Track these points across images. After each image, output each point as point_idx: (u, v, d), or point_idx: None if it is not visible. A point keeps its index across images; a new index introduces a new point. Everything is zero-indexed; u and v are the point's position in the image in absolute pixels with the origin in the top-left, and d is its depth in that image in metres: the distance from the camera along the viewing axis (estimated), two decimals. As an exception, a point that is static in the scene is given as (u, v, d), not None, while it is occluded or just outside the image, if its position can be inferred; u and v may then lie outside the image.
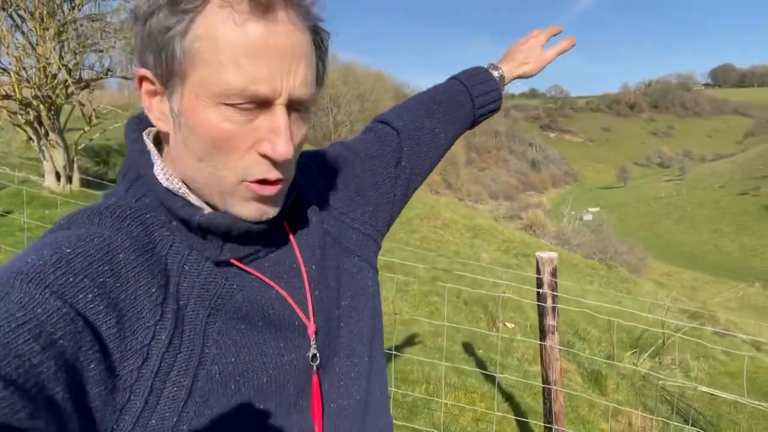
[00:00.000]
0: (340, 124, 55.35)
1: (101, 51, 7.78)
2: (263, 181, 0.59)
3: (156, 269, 0.56)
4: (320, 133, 52.67)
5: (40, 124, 7.49)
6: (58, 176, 7.78)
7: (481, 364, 4.73)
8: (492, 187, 77.70)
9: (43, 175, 7.91)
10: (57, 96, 7.40)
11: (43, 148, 7.62)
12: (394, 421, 0.83)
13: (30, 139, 7.61)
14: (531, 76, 1.04)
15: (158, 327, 0.54)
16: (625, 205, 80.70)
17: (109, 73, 8.25)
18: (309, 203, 0.74)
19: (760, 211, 60.95)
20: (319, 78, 0.63)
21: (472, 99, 0.97)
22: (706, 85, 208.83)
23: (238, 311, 0.60)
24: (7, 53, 7.01)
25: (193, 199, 0.61)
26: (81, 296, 0.49)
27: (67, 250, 0.51)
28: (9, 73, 7.04)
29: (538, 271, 2.77)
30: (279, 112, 0.56)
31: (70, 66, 7.56)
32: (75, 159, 7.88)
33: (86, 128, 7.83)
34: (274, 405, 0.61)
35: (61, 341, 0.45)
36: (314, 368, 0.65)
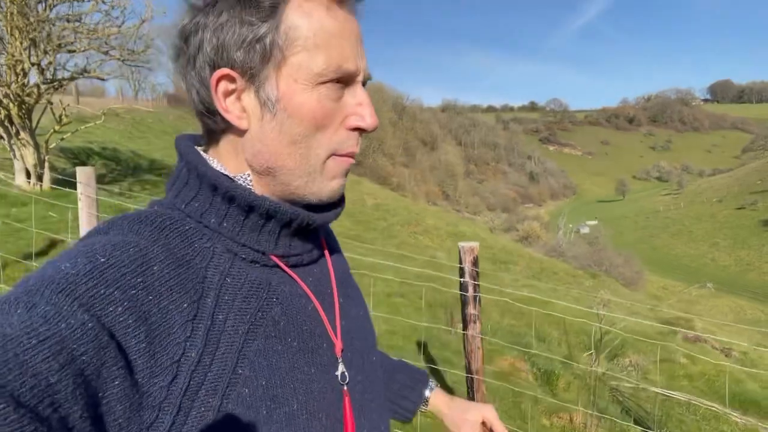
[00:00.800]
0: (338, 134, 55.60)
1: (73, 51, 7.81)
2: (346, 155, 0.64)
3: (190, 284, 0.56)
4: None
5: (11, 122, 7.49)
6: (28, 175, 7.79)
7: (431, 360, 4.70)
8: (490, 199, 77.74)
9: (14, 174, 7.92)
10: (27, 95, 7.41)
11: (14, 146, 7.61)
12: None
13: (0, 137, 7.62)
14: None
15: (188, 344, 0.53)
16: (623, 218, 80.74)
17: (85, 73, 8.30)
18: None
19: (756, 225, 60.95)
20: None
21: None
22: (705, 100, 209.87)
23: (276, 325, 0.61)
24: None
25: (256, 190, 0.64)
26: (111, 309, 0.48)
27: (102, 260, 0.51)
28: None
29: (460, 261, 2.77)
30: (360, 88, 0.63)
31: (43, 65, 7.58)
32: (46, 158, 7.88)
33: (56, 127, 7.83)
34: None
35: (83, 357, 0.44)
36: (344, 387, 0.67)
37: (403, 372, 1.01)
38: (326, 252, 0.75)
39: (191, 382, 0.52)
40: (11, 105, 7.31)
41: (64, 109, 7.62)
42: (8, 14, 6.91)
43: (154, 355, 0.50)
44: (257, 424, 0.56)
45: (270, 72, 0.59)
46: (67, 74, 8.09)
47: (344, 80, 0.61)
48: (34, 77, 7.58)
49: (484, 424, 0.95)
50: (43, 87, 7.58)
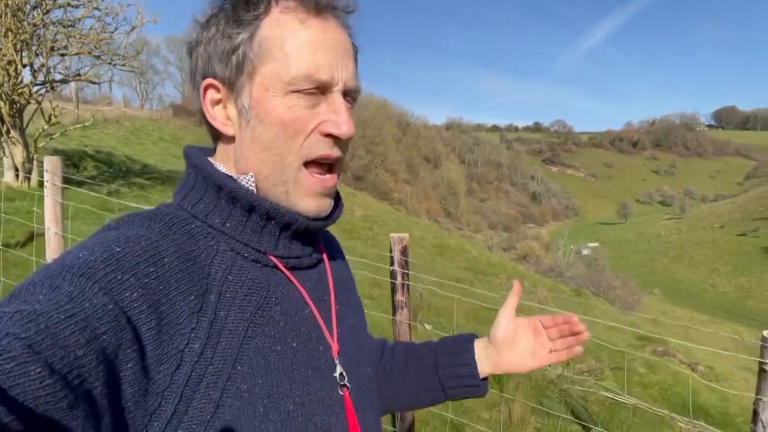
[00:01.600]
0: (341, 149, 56.04)
1: (65, 54, 8.09)
2: (324, 165, 0.66)
3: (197, 278, 0.58)
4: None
5: (2, 121, 7.74)
6: (17, 172, 8.01)
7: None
8: (492, 218, 77.86)
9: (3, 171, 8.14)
10: (18, 94, 7.66)
11: (4, 144, 7.86)
12: None
13: (-9, 135, 7.86)
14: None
15: (193, 335, 0.54)
16: (624, 241, 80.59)
17: (78, 76, 8.57)
18: (328, 234, 0.85)
19: (758, 252, 60.78)
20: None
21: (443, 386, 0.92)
22: (709, 126, 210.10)
23: (276, 325, 0.62)
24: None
25: (259, 192, 0.66)
26: (127, 294, 0.50)
27: (117, 249, 0.53)
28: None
29: (390, 251, 2.93)
30: (338, 97, 0.64)
31: (35, 66, 7.86)
32: (34, 157, 8.11)
33: (44, 126, 8.07)
34: None
35: (104, 336, 0.45)
36: (343, 386, 0.68)
37: (443, 344, 0.94)
38: (325, 258, 0.77)
39: (193, 373, 0.53)
40: (2, 103, 7.56)
41: (53, 109, 7.86)
42: (2, 16, 7.19)
43: (162, 342, 0.51)
44: (255, 421, 0.56)
45: (245, 81, 0.63)
46: (58, 77, 8.37)
47: (320, 89, 0.63)
48: (28, 78, 7.84)
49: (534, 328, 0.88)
50: (34, 88, 7.84)
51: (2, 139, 7.84)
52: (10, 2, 7.13)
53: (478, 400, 4.12)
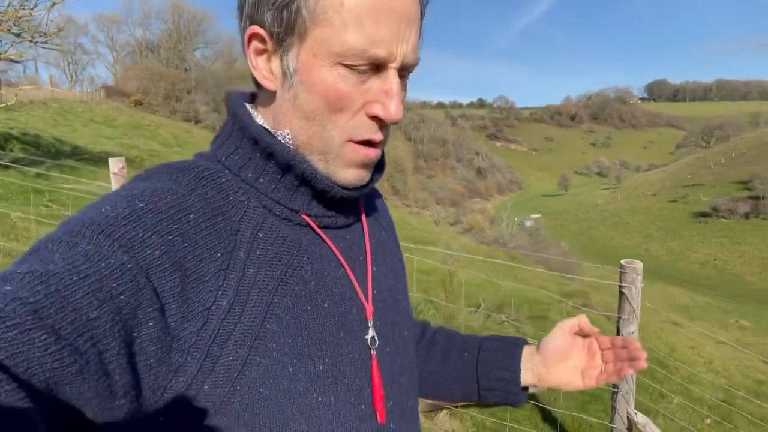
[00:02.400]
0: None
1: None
2: (368, 143, 0.61)
3: (225, 234, 0.56)
4: (265, 139, 52.52)
5: None
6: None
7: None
8: (439, 194, 78.97)
9: None
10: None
11: None
12: None
13: None
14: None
15: (219, 293, 0.53)
16: (565, 211, 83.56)
17: (-2, 55, 8.27)
18: (373, 191, 0.81)
19: (687, 217, 64.26)
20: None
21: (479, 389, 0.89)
22: (642, 98, 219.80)
23: (306, 285, 0.60)
24: None
25: (296, 150, 0.62)
26: (148, 252, 0.49)
27: (141, 205, 0.51)
28: None
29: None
30: (391, 76, 0.58)
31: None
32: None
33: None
34: (332, 399, 0.60)
35: (121, 296, 0.44)
36: (373, 352, 0.65)
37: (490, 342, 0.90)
38: (363, 217, 0.73)
39: (221, 330, 0.52)
40: None
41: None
42: None
43: (187, 300, 0.50)
44: (284, 380, 0.55)
45: (294, 40, 0.57)
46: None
47: (373, 64, 0.57)
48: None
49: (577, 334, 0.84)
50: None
51: None
52: None
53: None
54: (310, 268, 0.61)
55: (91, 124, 18.10)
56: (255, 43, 0.60)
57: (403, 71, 0.60)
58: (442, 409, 3.59)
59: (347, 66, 0.56)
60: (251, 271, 0.56)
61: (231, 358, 0.52)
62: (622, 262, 2.68)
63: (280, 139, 0.61)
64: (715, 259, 49.17)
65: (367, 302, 0.66)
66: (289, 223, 0.62)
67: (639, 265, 2.59)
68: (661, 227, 64.10)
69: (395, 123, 0.60)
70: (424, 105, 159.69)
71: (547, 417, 3.93)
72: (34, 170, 8.47)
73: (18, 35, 8.20)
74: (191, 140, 21.04)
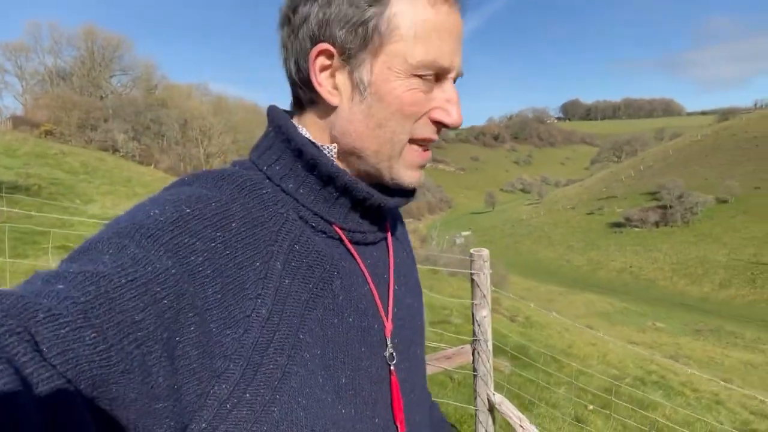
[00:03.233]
0: (212, 155, 53.97)
1: None
2: (426, 144, 0.66)
3: (263, 244, 0.57)
4: (191, 166, 51.03)
5: None
6: None
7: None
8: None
9: None
10: None
11: None
12: None
13: None
14: None
15: (259, 301, 0.54)
16: (492, 227, 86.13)
17: None
18: (397, 214, 0.85)
19: (604, 228, 67.73)
20: None
21: None
22: (558, 118, 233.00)
23: (335, 299, 0.62)
24: None
25: (338, 163, 0.66)
26: (192, 258, 0.50)
27: (187, 210, 0.53)
28: None
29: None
30: (451, 84, 0.64)
31: None
32: None
33: None
34: (353, 411, 0.61)
35: (165, 301, 0.45)
36: (392, 367, 0.68)
37: None
38: (389, 236, 0.76)
39: (261, 338, 0.53)
40: None
41: None
42: None
43: (228, 307, 0.51)
44: (317, 390, 0.57)
45: (367, 56, 0.60)
46: None
47: (438, 75, 0.62)
48: None
49: None
50: None
51: None
52: None
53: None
54: (339, 282, 0.63)
55: (-9, 154, 17.01)
56: (321, 60, 0.62)
57: (455, 80, 0.66)
58: None
59: (419, 76, 0.60)
60: (287, 281, 0.58)
61: (271, 366, 0.53)
62: (471, 251, 2.87)
63: (325, 152, 0.65)
64: (630, 267, 52.00)
65: (387, 319, 0.68)
66: (323, 236, 0.64)
67: (485, 252, 2.81)
68: (581, 238, 67.23)
69: (457, 127, 0.65)
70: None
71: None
72: None
73: None
74: (103, 167, 20.15)
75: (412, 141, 0.64)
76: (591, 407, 4.85)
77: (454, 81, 0.65)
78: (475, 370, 2.86)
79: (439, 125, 0.64)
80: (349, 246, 0.66)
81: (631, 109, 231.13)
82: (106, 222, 0.53)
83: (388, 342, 0.68)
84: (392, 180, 0.65)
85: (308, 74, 0.62)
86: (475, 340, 2.85)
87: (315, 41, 0.61)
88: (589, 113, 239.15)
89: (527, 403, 4.43)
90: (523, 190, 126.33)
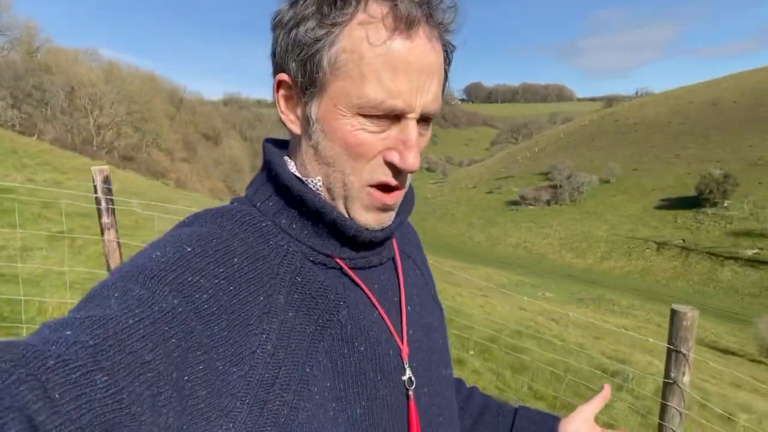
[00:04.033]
0: (103, 126, 50.40)
1: None
2: (385, 187, 0.62)
3: (266, 278, 0.57)
4: (80, 137, 47.27)
5: None
6: None
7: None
8: (277, 193, 78.02)
9: None
10: None
11: None
12: None
13: None
14: None
15: (264, 336, 0.53)
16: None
17: None
18: (409, 229, 0.84)
19: (502, 206, 71.23)
20: (443, 90, 0.66)
21: None
22: (462, 100, 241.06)
23: (343, 329, 0.60)
24: None
25: (325, 197, 0.64)
26: (197, 296, 0.49)
27: (188, 249, 0.53)
28: None
29: (93, 181, 3.41)
30: (410, 126, 0.59)
31: None
32: None
33: None
34: None
35: (173, 339, 0.45)
36: (411, 392, 0.65)
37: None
38: (397, 255, 0.74)
39: (266, 375, 0.52)
40: None
41: None
42: None
43: (234, 344, 0.50)
44: (326, 424, 0.55)
45: (316, 91, 0.59)
46: None
47: (392, 115, 0.58)
48: None
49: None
50: None
51: None
52: None
53: None
54: (346, 312, 0.61)
55: None
56: (283, 90, 0.62)
57: (425, 119, 0.62)
58: None
59: (366, 116, 0.57)
60: (290, 314, 0.57)
61: (278, 402, 0.52)
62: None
63: (311, 186, 0.63)
64: (525, 242, 55.57)
65: (402, 343, 0.66)
66: (324, 268, 0.63)
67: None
68: (481, 216, 70.57)
69: (412, 172, 0.61)
70: (261, 103, 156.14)
71: None
72: None
73: None
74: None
75: (369, 184, 0.61)
76: (472, 351, 5.56)
77: (427, 120, 0.62)
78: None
79: (395, 168, 0.60)
80: (352, 274, 0.65)
81: (528, 94, 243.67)
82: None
83: (406, 366, 0.65)
84: (353, 219, 0.63)
85: (275, 101, 0.63)
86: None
87: (278, 69, 0.61)
88: (490, 96, 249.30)
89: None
90: (429, 170, 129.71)
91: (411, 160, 0.59)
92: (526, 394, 5.03)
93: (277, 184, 0.63)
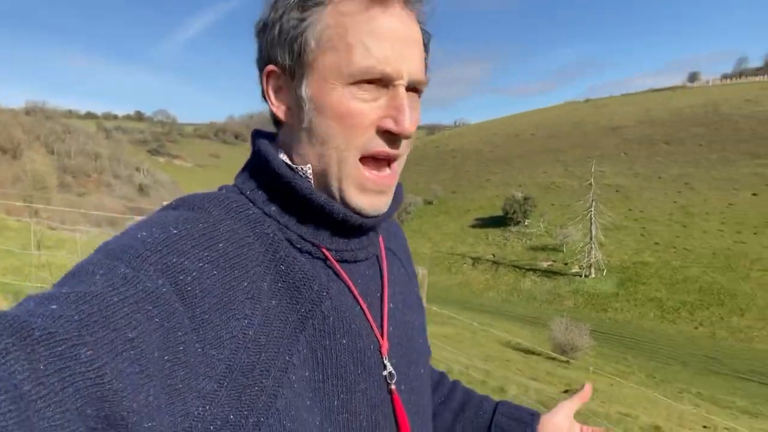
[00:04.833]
0: None
1: None
2: (382, 161, 0.62)
3: (250, 264, 0.57)
4: None
5: None
6: None
7: None
8: (93, 214, 71.09)
9: None
10: None
11: None
12: None
13: None
14: None
15: (246, 321, 0.53)
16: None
17: None
18: (395, 227, 0.85)
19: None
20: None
21: None
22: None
23: (326, 320, 0.60)
24: None
25: (315, 185, 0.64)
26: (181, 278, 0.49)
27: (174, 231, 0.52)
28: None
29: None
30: (401, 92, 0.60)
31: None
32: None
33: None
34: None
35: (156, 319, 0.45)
36: (392, 386, 0.65)
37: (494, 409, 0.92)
38: (383, 252, 0.74)
39: (246, 360, 0.52)
40: None
41: None
42: None
43: (215, 327, 0.50)
44: (303, 412, 0.55)
45: (305, 70, 0.60)
46: None
47: (382, 82, 0.59)
48: None
49: None
50: None
51: None
52: None
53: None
54: (329, 303, 0.61)
55: None
56: (272, 81, 0.63)
57: (414, 89, 0.63)
58: None
59: (357, 84, 0.58)
60: (274, 302, 0.57)
61: (256, 388, 0.52)
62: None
63: (300, 174, 0.63)
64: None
65: (383, 339, 0.66)
66: (310, 257, 0.63)
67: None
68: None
69: (407, 137, 0.61)
70: (70, 114, 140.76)
71: None
72: None
73: None
74: None
75: (365, 160, 0.61)
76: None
77: (417, 89, 0.63)
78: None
79: (390, 136, 0.61)
80: (337, 267, 0.64)
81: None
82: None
83: (385, 361, 0.65)
84: (346, 204, 0.63)
85: (265, 96, 0.64)
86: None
87: (266, 63, 0.63)
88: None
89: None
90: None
91: (406, 124, 0.59)
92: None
93: (266, 172, 0.63)
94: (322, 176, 0.63)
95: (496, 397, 0.95)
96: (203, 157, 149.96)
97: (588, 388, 0.88)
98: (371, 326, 0.65)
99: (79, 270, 0.47)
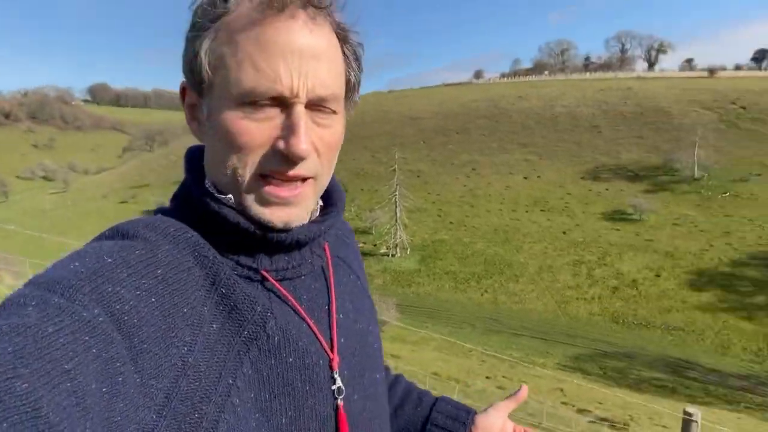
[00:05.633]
0: None
1: None
2: (278, 178, 0.59)
3: (190, 290, 0.55)
4: None
5: None
6: None
7: None
8: None
9: None
10: None
11: None
12: None
13: None
14: None
15: (185, 349, 0.52)
16: (8, 220, 73.98)
17: None
18: (345, 231, 0.84)
19: (140, 215, 68.19)
20: (351, 85, 0.65)
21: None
22: (85, 101, 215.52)
23: (270, 341, 0.59)
24: None
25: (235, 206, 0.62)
26: (117, 307, 0.48)
27: (109, 260, 0.51)
28: None
29: None
30: (296, 111, 0.57)
31: None
32: None
33: None
34: None
35: (93, 350, 0.44)
36: (339, 402, 0.64)
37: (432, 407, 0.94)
38: (329, 262, 0.73)
39: (186, 388, 0.51)
40: None
41: None
42: None
43: (155, 356, 0.49)
44: None
45: (206, 89, 0.59)
46: None
47: (275, 101, 0.57)
48: None
49: None
50: None
51: None
52: None
53: None
54: (273, 323, 0.60)
55: None
56: (186, 98, 0.63)
57: (318, 106, 0.59)
58: None
59: (251, 104, 0.56)
60: (215, 326, 0.56)
61: (196, 415, 0.51)
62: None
63: (225, 200, 0.61)
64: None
65: (333, 353, 0.66)
66: (250, 281, 0.62)
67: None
68: (116, 228, 65.81)
69: (300, 159, 0.58)
70: None
71: None
72: None
73: None
74: None
75: (264, 176, 0.59)
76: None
77: (322, 106, 0.60)
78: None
79: (286, 157, 0.58)
80: (278, 287, 0.63)
81: (161, 100, 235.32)
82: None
83: (335, 375, 0.64)
84: (250, 220, 0.61)
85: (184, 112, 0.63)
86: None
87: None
88: (119, 99, 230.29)
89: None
90: (45, 178, 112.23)
91: (296, 145, 0.56)
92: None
93: (192, 199, 0.62)
94: (229, 192, 0.62)
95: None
96: None
97: (524, 390, 0.93)
98: (320, 341, 0.65)
99: (9, 303, 0.45)
